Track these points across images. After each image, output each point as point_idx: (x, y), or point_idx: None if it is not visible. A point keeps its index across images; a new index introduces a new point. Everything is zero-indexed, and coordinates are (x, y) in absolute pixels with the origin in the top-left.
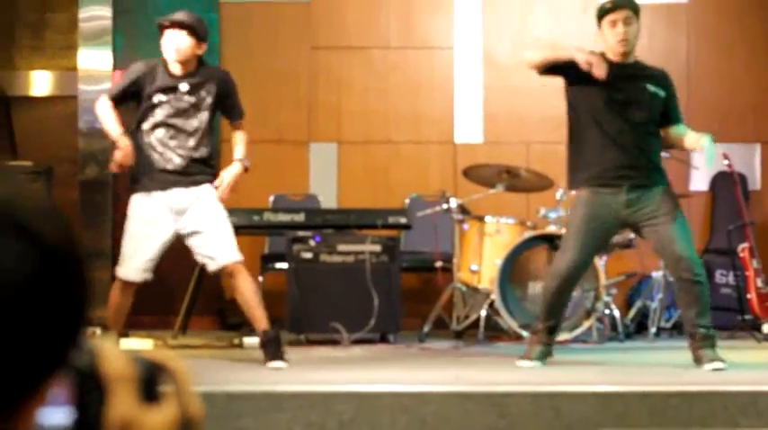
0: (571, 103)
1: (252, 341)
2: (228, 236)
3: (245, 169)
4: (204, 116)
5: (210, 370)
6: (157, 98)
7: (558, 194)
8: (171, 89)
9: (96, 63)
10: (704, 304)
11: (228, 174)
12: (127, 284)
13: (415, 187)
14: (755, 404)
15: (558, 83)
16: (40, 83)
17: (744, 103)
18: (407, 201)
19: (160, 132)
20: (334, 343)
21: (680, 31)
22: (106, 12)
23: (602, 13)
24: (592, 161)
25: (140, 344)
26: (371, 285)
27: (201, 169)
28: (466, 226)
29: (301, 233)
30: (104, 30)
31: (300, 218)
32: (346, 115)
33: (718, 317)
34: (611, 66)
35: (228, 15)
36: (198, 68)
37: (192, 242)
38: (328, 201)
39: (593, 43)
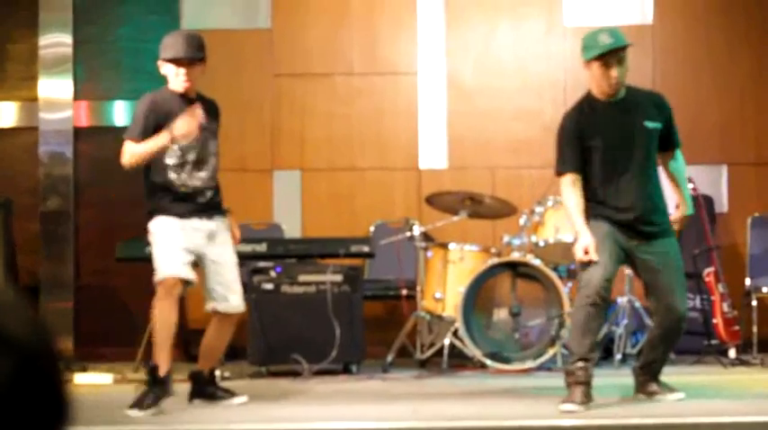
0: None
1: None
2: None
3: None
4: (216, 143)
5: (166, 406)
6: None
7: (522, 220)
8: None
9: (57, 92)
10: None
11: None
12: (170, 290)
13: (380, 214)
14: None
15: (522, 106)
16: (0, 114)
17: (710, 123)
18: (372, 228)
19: (188, 160)
20: (296, 374)
21: (645, 52)
22: (66, 39)
23: (595, 56)
24: (605, 204)
25: (99, 378)
26: (333, 315)
27: (218, 198)
28: (429, 253)
29: (262, 264)
30: (65, 58)
31: (262, 248)
32: (310, 142)
33: (684, 341)
34: (597, 105)
35: None
36: (198, 97)
37: (211, 271)
38: (292, 229)
39: (555, 67)
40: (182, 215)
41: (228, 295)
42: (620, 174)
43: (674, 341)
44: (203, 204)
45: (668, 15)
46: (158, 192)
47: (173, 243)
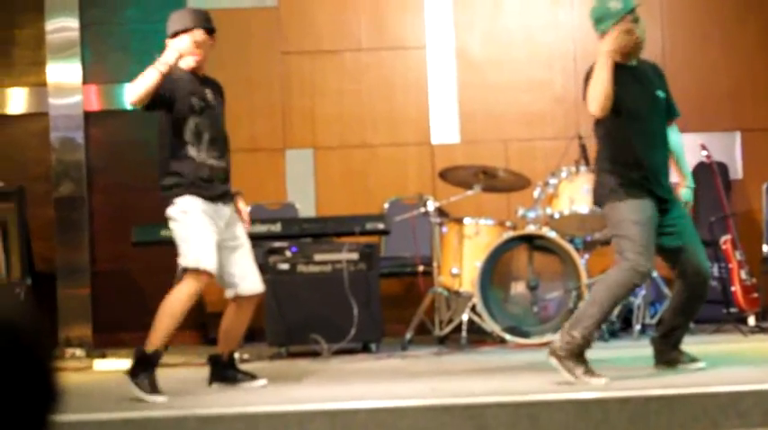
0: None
1: None
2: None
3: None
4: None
5: (185, 391)
6: (196, 103)
7: (536, 193)
8: (201, 95)
9: (66, 77)
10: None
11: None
12: (201, 282)
13: (394, 190)
14: (736, 405)
15: (532, 77)
16: (10, 101)
17: (721, 91)
18: (386, 205)
19: (204, 139)
20: (315, 354)
21: (654, 22)
22: (73, 23)
23: (613, 24)
24: (628, 173)
25: (119, 364)
26: (350, 294)
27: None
28: (445, 229)
29: (277, 244)
30: (72, 42)
31: (277, 228)
32: (321, 120)
33: (703, 310)
34: (624, 71)
35: None
36: (205, 77)
37: (228, 257)
38: (306, 208)
39: (564, 37)
40: (210, 199)
41: (247, 277)
42: (646, 141)
43: (698, 306)
44: (223, 187)
45: None
46: (183, 169)
47: (207, 230)
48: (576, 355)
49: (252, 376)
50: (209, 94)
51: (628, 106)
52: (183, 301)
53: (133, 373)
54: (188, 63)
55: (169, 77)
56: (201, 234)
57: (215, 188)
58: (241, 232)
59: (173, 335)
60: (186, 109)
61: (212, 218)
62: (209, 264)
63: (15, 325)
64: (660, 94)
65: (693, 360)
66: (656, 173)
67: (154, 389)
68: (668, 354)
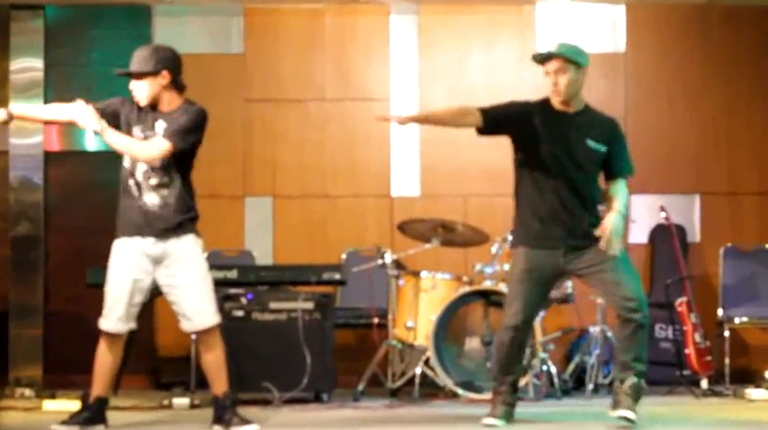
0: (517, 159)
1: (182, 402)
2: (209, 294)
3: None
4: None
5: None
6: (136, 134)
7: (494, 249)
8: (149, 126)
9: None
10: (643, 349)
11: None
12: (109, 336)
13: (352, 241)
14: None
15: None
16: None
17: (683, 152)
18: (344, 255)
19: (138, 170)
20: (267, 402)
21: (618, 80)
22: (38, 64)
23: (539, 62)
24: (529, 220)
25: (68, 405)
26: (304, 343)
27: (179, 216)
28: (401, 281)
29: (233, 291)
30: (36, 82)
31: (233, 275)
32: (282, 168)
33: (656, 371)
34: (551, 111)
35: None
36: (182, 106)
37: (167, 293)
38: (264, 256)
39: (528, 95)
40: (139, 234)
41: (191, 316)
42: (558, 189)
43: (639, 340)
44: (160, 221)
45: (641, 44)
46: (119, 208)
47: (117, 288)
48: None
49: (246, 421)
50: (160, 125)
51: (532, 141)
52: (98, 355)
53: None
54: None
55: (116, 104)
56: (108, 291)
57: (148, 220)
58: (185, 267)
59: (124, 380)
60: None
61: (136, 259)
62: (103, 325)
63: None
64: (590, 143)
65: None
66: (551, 229)
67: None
68: (617, 395)
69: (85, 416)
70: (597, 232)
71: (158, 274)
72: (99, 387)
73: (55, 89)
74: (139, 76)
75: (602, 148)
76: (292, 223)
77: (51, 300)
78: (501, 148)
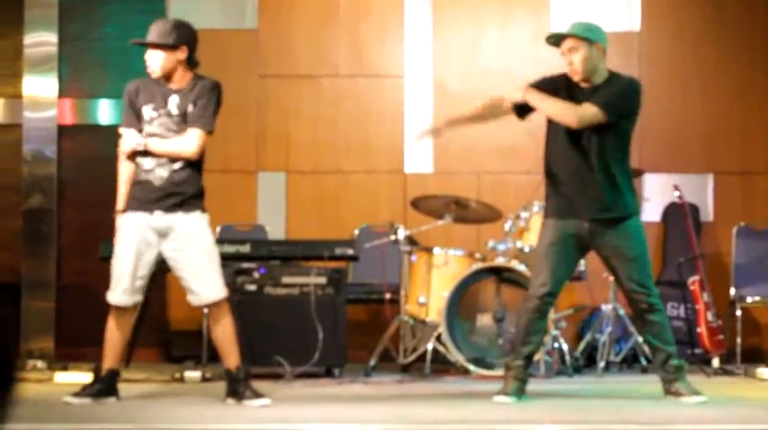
0: (546, 134)
1: (193, 375)
2: (215, 268)
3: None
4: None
5: (147, 406)
6: (147, 113)
7: (507, 226)
8: (161, 104)
9: (42, 90)
10: (669, 333)
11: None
12: (117, 309)
13: (365, 217)
14: None
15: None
16: None
17: (696, 132)
18: (357, 231)
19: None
20: (278, 377)
21: (632, 59)
22: (52, 38)
23: (552, 45)
24: (555, 192)
25: (81, 377)
26: (316, 318)
27: (187, 192)
28: (414, 257)
29: (246, 265)
30: (50, 56)
31: (246, 249)
32: (295, 144)
33: None
34: (576, 89)
35: None
36: (192, 81)
37: (174, 267)
38: (276, 231)
39: (542, 72)
40: (146, 209)
41: (198, 290)
42: (584, 161)
43: (661, 324)
44: (168, 196)
45: (656, 23)
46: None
47: (124, 261)
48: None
49: (258, 394)
50: (173, 101)
51: (558, 135)
52: (107, 329)
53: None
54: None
55: (130, 95)
56: (115, 265)
57: (156, 195)
58: (192, 241)
59: (135, 353)
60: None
61: (143, 234)
62: (111, 298)
63: None
64: None
65: (695, 392)
66: (578, 198)
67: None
68: (671, 386)
69: (97, 388)
70: None
71: (164, 248)
72: (110, 359)
73: (69, 63)
74: (157, 46)
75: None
76: (305, 198)
77: (63, 274)
78: (514, 126)
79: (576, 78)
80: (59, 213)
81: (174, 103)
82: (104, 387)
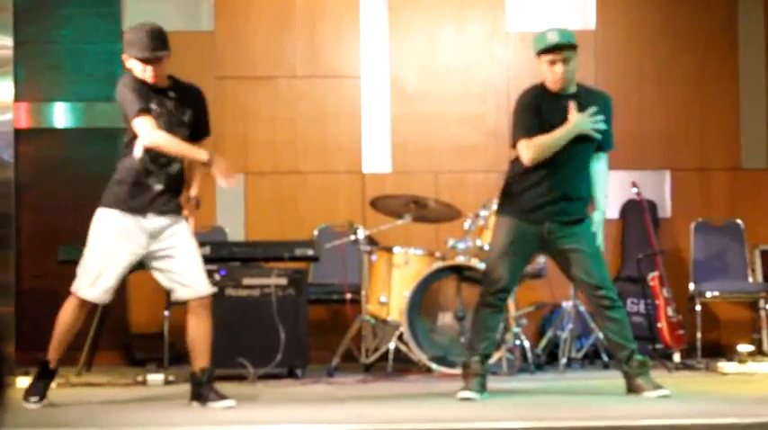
0: None
1: (156, 378)
2: (202, 267)
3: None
4: (186, 134)
5: (110, 410)
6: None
7: (467, 225)
8: (159, 101)
9: None
10: (629, 329)
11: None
12: (84, 304)
13: (324, 218)
14: None
15: (465, 110)
16: None
17: (653, 129)
18: (316, 232)
19: (150, 153)
20: (241, 378)
21: (588, 58)
22: (7, 41)
23: (542, 51)
24: (519, 193)
25: None
26: (278, 319)
27: (178, 193)
28: (374, 257)
29: (206, 267)
30: (5, 60)
31: (206, 251)
32: (253, 145)
33: None
34: (549, 95)
35: None
36: (173, 83)
37: (163, 265)
38: (235, 232)
39: (498, 72)
40: (139, 210)
41: (191, 283)
42: (553, 164)
43: (620, 321)
44: (165, 199)
45: (611, 21)
46: (121, 182)
47: (107, 258)
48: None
49: (222, 396)
50: (170, 101)
51: (545, 127)
52: (64, 315)
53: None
54: (145, 79)
55: (139, 83)
56: (94, 260)
57: (153, 197)
58: (183, 240)
59: (97, 356)
60: None
61: (131, 233)
62: (84, 293)
63: None
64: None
65: (657, 387)
66: (541, 202)
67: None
68: (631, 381)
69: (47, 382)
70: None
71: (154, 248)
72: (60, 352)
73: (24, 67)
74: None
75: (602, 125)
76: (264, 199)
77: (23, 278)
78: (472, 125)
79: (555, 87)
80: (18, 217)
81: (171, 104)
82: (50, 381)
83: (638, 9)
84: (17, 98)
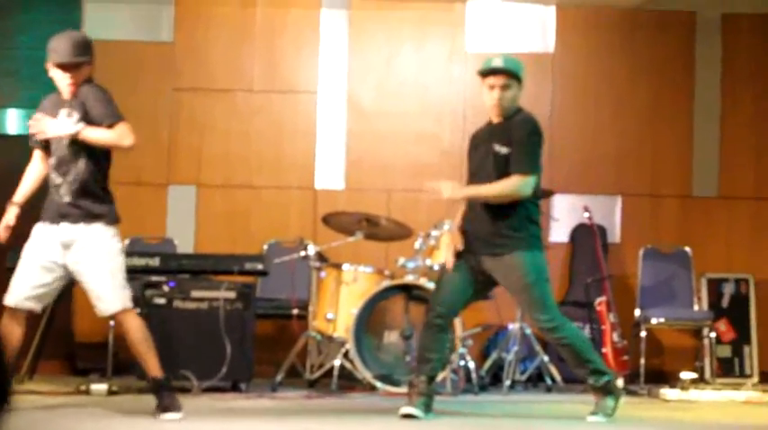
0: None
1: (99, 388)
2: (116, 280)
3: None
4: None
5: (53, 419)
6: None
7: (418, 244)
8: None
9: None
10: (584, 350)
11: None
12: (12, 312)
13: (275, 232)
14: None
15: (421, 129)
16: None
17: (606, 154)
18: (266, 246)
19: (52, 161)
20: (185, 390)
21: (545, 80)
22: None
23: (483, 73)
24: (463, 222)
25: None
26: (224, 332)
27: (90, 204)
28: (323, 273)
29: (155, 278)
30: None
31: (155, 262)
32: (207, 158)
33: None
34: (484, 129)
35: None
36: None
37: (78, 278)
38: (185, 244)
39: (455, 92)
40: (50, 220)
41: (103, 298)
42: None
43: (569, 350)
44: (71, 209)
45: (570, 44)
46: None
47: (25, 266)
48: None
49: (166, 408)
50: (63, 113)
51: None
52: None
53: None
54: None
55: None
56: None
57: (60, 208)
58: (94, 253)
59: (40, 364)
60: None
61: (46, 243)
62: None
63: None
64: (496, 147)
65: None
66: (471, 234)
67: None
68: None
69: None
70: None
71: (67, 260)
72: None
73: None
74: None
75: (505, 150)
76: (215, 212)
77: None
78: (426, 144)
79: (492, 113)
80: None
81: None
82: None
83: (597, 33)
84: None
